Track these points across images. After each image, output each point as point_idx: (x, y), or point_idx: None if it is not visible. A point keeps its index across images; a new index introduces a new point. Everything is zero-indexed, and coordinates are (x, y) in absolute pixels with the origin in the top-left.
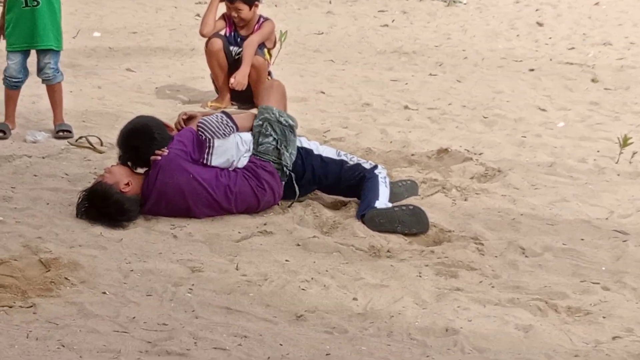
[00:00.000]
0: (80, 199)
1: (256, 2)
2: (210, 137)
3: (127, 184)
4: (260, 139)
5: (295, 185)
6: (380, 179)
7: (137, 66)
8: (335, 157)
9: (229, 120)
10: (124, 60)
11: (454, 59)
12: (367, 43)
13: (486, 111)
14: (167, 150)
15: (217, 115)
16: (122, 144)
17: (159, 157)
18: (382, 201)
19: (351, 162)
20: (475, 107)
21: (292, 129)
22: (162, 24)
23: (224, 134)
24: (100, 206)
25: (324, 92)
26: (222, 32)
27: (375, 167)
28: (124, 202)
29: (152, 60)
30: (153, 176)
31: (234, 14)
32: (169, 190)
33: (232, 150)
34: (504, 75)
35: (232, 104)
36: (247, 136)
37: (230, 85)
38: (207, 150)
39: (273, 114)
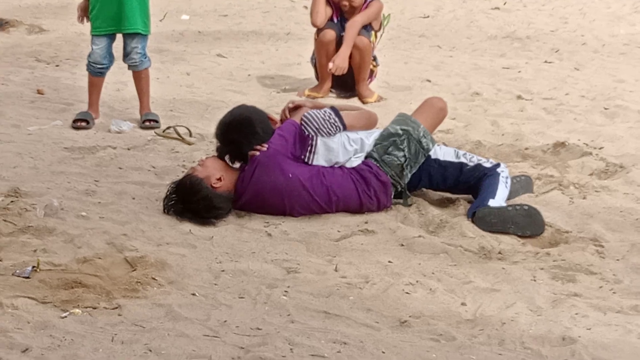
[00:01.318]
0: (167, 193)
1: None
2: (313, 134)
3: (219, 179)
4: (390, 149)
5: (408, 197)
6: (501, 178)
7: (228, 51)
8: (454, 159)
9: (336, 118)
10: (214, 45)
11: (571, 45)
12: (477, 27)
13: (607, 102)
14: (267, 146)
15: (324, 111)
16: (220, 136)
17: (258, 153)
18: (497, 200)
19: (471, 164)
20: (595, 97)
21: (426, 152)
22: (255, 5)
23: (328, 132)
24: (188, 201)
25: (429, 81)
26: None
27: (497, 165)
28: (212, 199)
29: (245, 45)
30: (249, 173)
31: (345, 2)
32: (265, 189)
33: (337, 150)
34: (627, 62)
35: (330, 91)
36: (355, 135)
37: (328, 70)
38: (309, 149)
39: (418, 131)
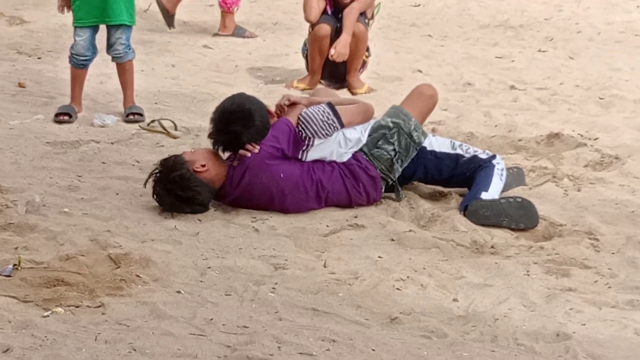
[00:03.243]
0: (154, 167)
1: None
2: (310, 136)
3: (203, 166)
4: (380, 142)
5: (399, 192)
6: (496, 170)
7: (214, 42)
8: (450, 151)
9: (334, 119)
10: (200, 36)
11: (566, 33)
12: (469, 16)
13: (602, 91)
14: (258, 148)
15: (322, 111)
16: (219, 124)
17: (249, 154)
18: (491, 193)
19: (467, 155)
20: (590, 87)
21: (418, 146)
22: None
23: (326, 134)
24: (166, 178)
25: (421, 71)
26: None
27: (493, 157)
28: (190, 179)
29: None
30: (238, 174)
31: None
32: (255, 190)
33: (332, 147)
34: (623, 51)
35: (320, 82)
36: (353, 135)
37: (330, 56)
38: (304, 148)
39: (409, 124)
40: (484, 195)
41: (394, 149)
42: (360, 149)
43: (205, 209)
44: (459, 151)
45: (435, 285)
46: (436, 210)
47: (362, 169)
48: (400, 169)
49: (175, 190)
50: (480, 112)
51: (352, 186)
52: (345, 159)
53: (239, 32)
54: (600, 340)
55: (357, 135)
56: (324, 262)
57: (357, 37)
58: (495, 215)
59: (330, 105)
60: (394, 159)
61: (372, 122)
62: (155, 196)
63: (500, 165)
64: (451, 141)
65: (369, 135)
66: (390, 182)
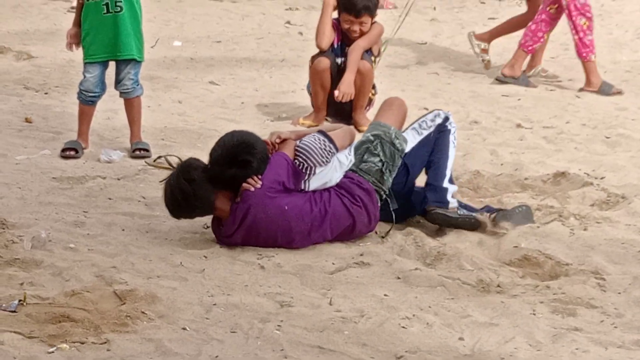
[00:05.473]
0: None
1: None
2: (312, 165)
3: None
4: (365, 156)
5: (394, 199)
6: (451, 137)
7: (221, 79)
8: (418, 139)
9: (331, 144)
10: (206, 72)
11: (572, 72)
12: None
13: (609, 130)
14: (260, 183)
15: (316, 138)
16: (224, 160)
17: (252, 188)
18: (451, 186)
19: (431, 129)
20: (597, 125)
21: (402, 154)
22: (248, 32)
23: (326, 161)
24: (182, 165)
25: (427, 109)
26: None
27: (447, 118)
28: (198, 168)
29: (238, 72)
30: (241, 211)
31: (355, 28)
32: (260, 226)
33: (331, 175)
34: (629, 90)
35: (325, 119)
36: (343, 157)
37: (335, 98)
38: (306, 177)
39: (389, 133)
40: (448, 196)
41: (381, 160)
42: (349, 168)
43: (197, 211)
44: (424, 133)
45: (441, 323)
46: (442, 249)
47: (355, 183)
48: (390, 179)
49: (183, 173)
50: (487, 151)
51: (350, 203)
52: (338, 180)
53: (605, 89)
54: None
55: (349, 158)
56: (330, 299)
57: (363, 74)
58: (447, 225)
59: (323, 132)
60: (382, 169)
61: (354, 143)
62: (165, 197)
63: (453, 128)
64: (413, 128)
65: (354, 153)
66: (384, 196)
